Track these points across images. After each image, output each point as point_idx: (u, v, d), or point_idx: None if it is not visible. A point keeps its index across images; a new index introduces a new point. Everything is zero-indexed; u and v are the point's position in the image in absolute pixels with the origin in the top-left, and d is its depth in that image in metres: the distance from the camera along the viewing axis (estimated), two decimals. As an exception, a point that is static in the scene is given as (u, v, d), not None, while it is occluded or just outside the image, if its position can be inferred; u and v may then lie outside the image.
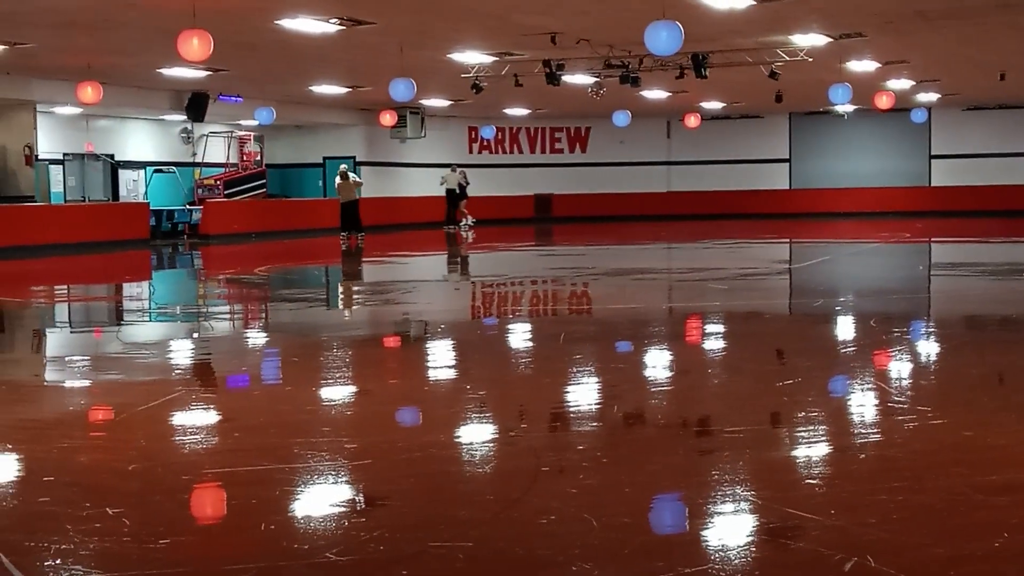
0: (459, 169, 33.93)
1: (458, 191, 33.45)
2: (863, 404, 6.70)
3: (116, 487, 4.88)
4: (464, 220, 33.55)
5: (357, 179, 28.33)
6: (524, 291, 15.38)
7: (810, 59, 21.36)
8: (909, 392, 7.10)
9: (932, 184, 37.84)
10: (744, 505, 4.50)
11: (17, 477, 5.24)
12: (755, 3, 16.18)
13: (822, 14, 17.64)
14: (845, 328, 10.76)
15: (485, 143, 39.10)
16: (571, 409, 6.71)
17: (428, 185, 36.53)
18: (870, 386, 7.28)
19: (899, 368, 8.10)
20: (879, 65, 24.10)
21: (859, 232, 28.43)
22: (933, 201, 37.11)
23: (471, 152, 38.99)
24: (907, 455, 5.30)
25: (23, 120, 25.31)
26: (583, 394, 7.20)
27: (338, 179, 27.91)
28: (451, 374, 8.34)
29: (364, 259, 22.22)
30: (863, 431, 5.98)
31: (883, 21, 18.30)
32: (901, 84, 28.11)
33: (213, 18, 15.92)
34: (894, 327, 10.53)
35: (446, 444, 5.70)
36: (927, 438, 5.66)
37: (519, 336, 10.50)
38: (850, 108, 33.12)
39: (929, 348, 9.22)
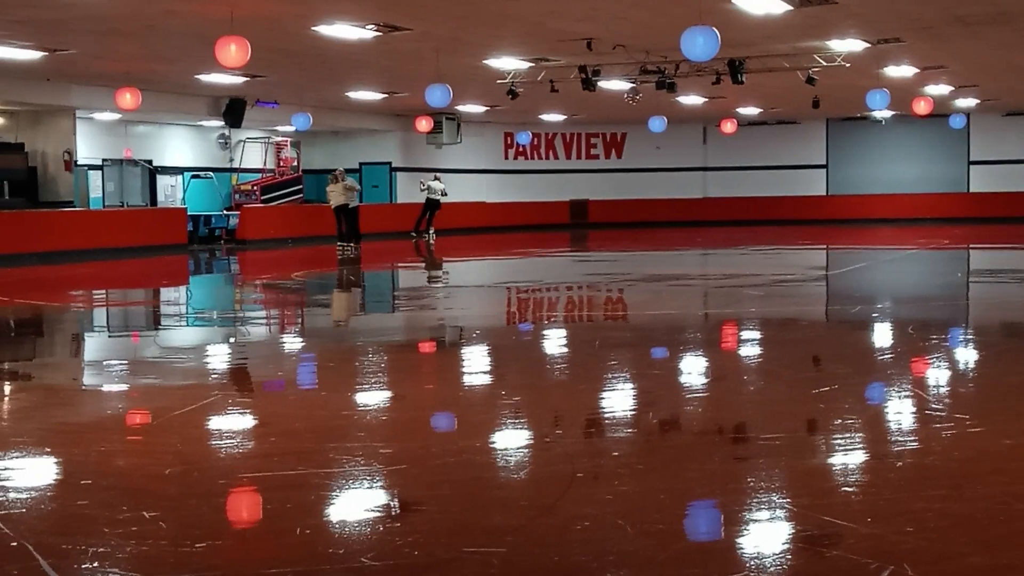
0: (440, 177, 32.46)
1: (439, 200, 31.81)
2: (900, 411, 6.66)
3: (153, 491, 4.91)
4: (431, 231, 31.68)
5: (354, 184, 27.10)
6: (559, 297, 15.37)
7: (847, 64, 21.26)
8: (947, 400, 7.04)
9: (971, 190, 37.56)
10: (780, 512, 4.48)
11: (56, 480, 5.28)
12: (792, 8, 16.11)
13: (860, 19, 17.55)
14: (882, 335, 10.69)
15: (521, 149, 39.12)
16: (606, 415, 6.69)
17: (464, 191, 36.59)
18: (907, 393, 7.23)
19: (937, 375, 8.04)
20: (917, 70, 23.96)
21: (897, 238, 28.25)
22: (972, 207, 36.84)
23: (507, 158, 39.03)
24: (945, 463, 5.26)
25: (63, 126, 25.52)
26: (618, 400, 7.18)
27: (329, 182, 26.70)
28: (486, 379, 8.35)
29: (399, 264, 22.26)
30: (900, 439, 5.94)
31: (921, 26, 18.19)
32: (939, 89, 27.92)
33: (251, 25, 16.01)
34: (932, 334, 10.46)
35: (481, 450, 5.70)
36: (966, 446, 5.61)
37: (554, 342, 10.49)
38: (888, 114, 32.96)
39: (967, 355, 9.15)
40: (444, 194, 31.81)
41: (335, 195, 26.23)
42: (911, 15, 17.17)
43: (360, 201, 27.35)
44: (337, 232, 26.17)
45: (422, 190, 31.55)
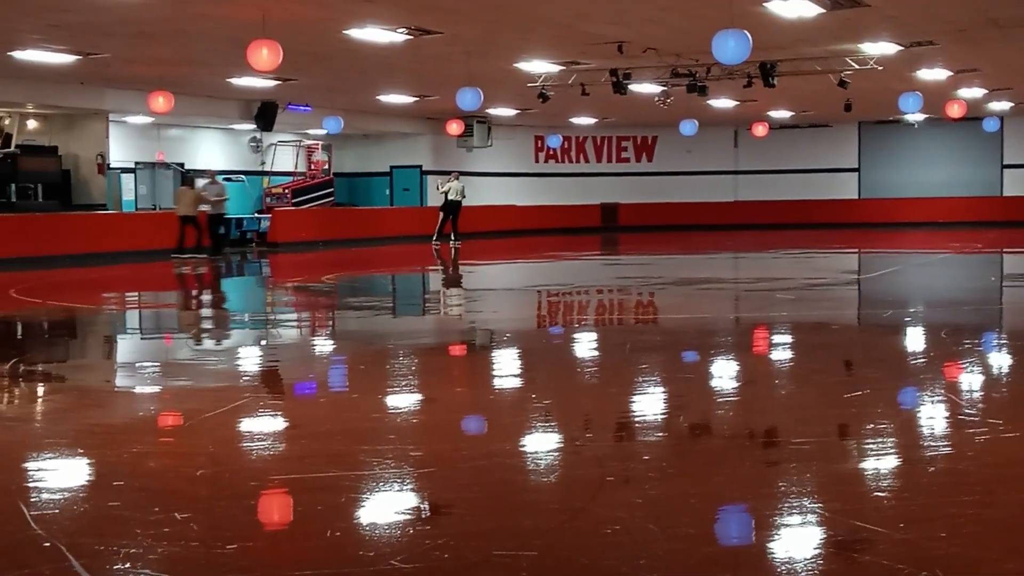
0: (460, 176, 30.94)
1: (460, 201, 30.33)
2: (933, 416, 6.61)
3: (185, 492, 4.93)
4: (447, 234, 30.17)
5: (219, 194, 24.50)
6: (590, 300, 15.35)
7: (880, 67, 21.17)
8: (980, 405, 6.99)
9: (1004, 194, 37.32)
10: (811, 517, 4.45)
11: (88, 481, 5.31)
12: (824, 11, 16.06)
13: (893, 22, 17.47)
14: (914, 339, 10.63)
15: (551, 152, 39.13)
16: (636, 419, 6.68)
17: (495, 194, 36.62)
18: (940, 398, 7.18)
19: (970, 380, 7.99)
20: (950, 73, 23.84)
21: (929, 242, 28.10)
22: (1006, 211, 36.60)
23: (537, 161, 39.05)
24: (978, 468, 5.22)
25: (96, 129, 25.70)
26: (649, 404, 7.17)
27: (182, 187, 24.59)
28: (516, 383, 8.34)
29: (428, 267, 22.29)
30: (933, 444, 5.90)
31: (955, 29, 18.10)
32: (973, 92, 27.77)
33: (282, 28, 16.07)
34: (965, 339, 10.39)
35: (511, 453, 5.70)
36: (999, 451, 5.57)
37: (585, 345, 10.48)
38: (921, 117, 32.81)
39: (1001, 360, 9.09)
40: (463, 195, 30.44)
41: (186, 202, 24.28)
42: (944, 17, 17.08)
43: (223, 210, 24.96)
44: (197, 244, 24.12)
45: (441, 191, 30.25)
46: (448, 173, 32.08)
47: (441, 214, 30.32)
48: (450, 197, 30.12)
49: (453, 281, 19.29)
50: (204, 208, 24.63)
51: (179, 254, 23.45)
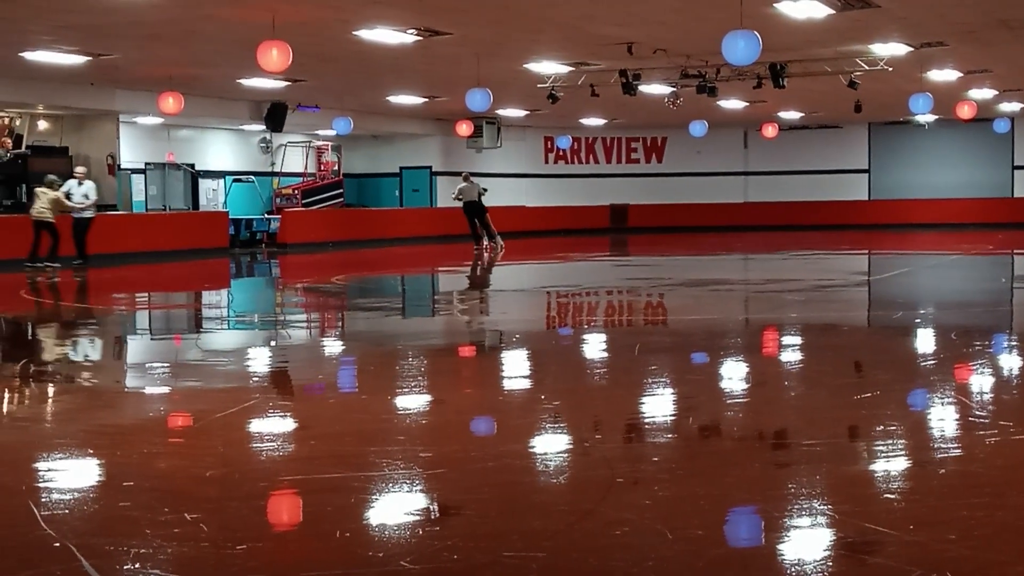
0: (472, 177, 29.04)
1: (479, 201, 28.29)
2: (943, 418, 6.61)
3: (194, 493, 4.94)
4: (493, 237, 28.17)
5: (85, 195, 21.04)
6: (599, 301, 15.35)
7: (890, 68, 21.13)
8: (991, 406, 6.98)
9: (1015, 195, 37.22)
10: (821, 519, 4.45)
11: (98, 482, 5.32)
12: (834, 12, 16.03)
13: (903, 23, 17.44)
14: (925, 341, 10.61)
15: (561, 153, 39.11)
16: (646, 420, 6.68)
17: (504, 195, 36.60)
18: (950, 400, 7.17)
19: (980, 382, 7.98)
20: (961, 74, 23.79)
21: (940, 244, 28.06)
22: (1016, 213, 36.48)
23: (547, 162, 39.04)
24: (989, 471, 5.21)
25: (106, 130, 25.75)
26: (658, 405, 7.17)
27: (41, 187, 20.88)
28: (525, 384, 8.35)
29: (437, 268, 22.30)
30: (943, 445, 5.89)
31: (965, 30, 18.06)
32: (983, 94, 27.71)
33: (292, 29, 16.09)
34: (975, 340, 10.37)
35: (520, 454, 5.70)
36: (1009, 453, 5.56)
37: (594, 347, 10.47)
38: (931, 118, 32.71)
39: (1011, 362, 9.07)
40: (483, 191, 28.40)
41: (41, 205, 20.54)
42: (954, 19, 17.05)
43: (91, 214, 21.27)
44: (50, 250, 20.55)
45: (457, 198, 28.48)
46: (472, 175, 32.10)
47: (468, 219, 28.62)
48: (466, 201, 28.38)
49: (462, 282, 19.28)
50: (72, 209, 20.96)
51: (32, 262, 20.17)
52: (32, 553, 4.10)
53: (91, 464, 5.65)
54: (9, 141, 25.20)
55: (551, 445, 6.01)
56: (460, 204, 28.41)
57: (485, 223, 28.24)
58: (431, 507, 4.75)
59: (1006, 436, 5.93)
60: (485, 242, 27.78)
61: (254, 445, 6.13)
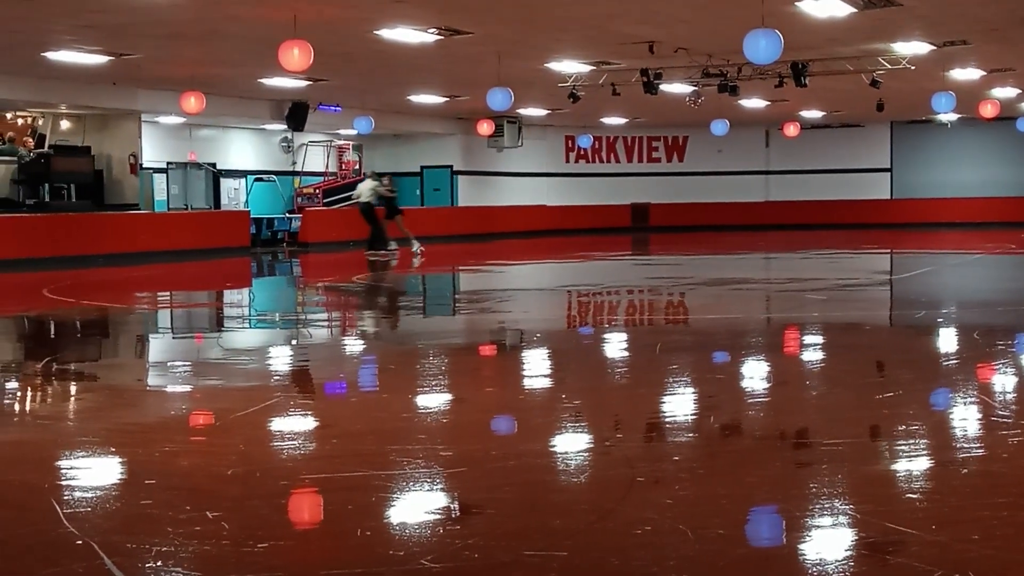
0: (386, 176, 26.62)
1: (384, 203, 25.71)
2: (966, 418, 6.57)
3: (216, 491, 4.95)
4: (410, 237, 25.44)
5: None
6: (620, 300, 15.33)
7: (912, 67, 21.05)
8: (1014, 406, 6.94)
9: (1038, 195, 37.06)
10: (843, 519, 4.43)
11: (120, 480, 5.33)
12: (856, 11, 15.98)
13: (925, 22, 17.37)
14: (947, 340, 10.57)
15: (582, 152, 39.09)
16: (667, 420, 6.67)
17: (525, 194, 36.65)
18: (973, 400, 7.13)
19: (1003, 382, 7.93)
20: (984, 73, 23.69)
21: (962, 243, 27.93)
22: (1039, 211, 36.34)
23: (568, 161, 39.02)
24: (1012, 470, 5.18)
25: (128, 129, 25.84)
26: (679, 404, 7.15)
27: None
28: (546, 383, 8.34)
29: (461, 268, 22.30)
30: (966, 445, 5.86)
31: (988, 28, 17.98)
32: (1006, 92, 27.59)
33: (313, 29, 16.12)
34: (998, 340, 10.32)
35: (541, 453, 5.70)
36: (1032, 453, 5.53)
37: (615, 346, 10.46)
38: (953, 117, 32.59)
39: (1035, 361, 9.02)
40: (392, 192, 25.90)
41: None
42: (977, 17, 16.97)
43: None
44: None
45: (357, 197, 26.24)
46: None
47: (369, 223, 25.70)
48: (358, 198, 26.07)
49: (483, 281, 19.27)
50: None
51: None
52: (55, 551, 4.11)
53: (113, 462, 5.66)
54: (32, 141, 25.33)
55: (572, 444, 6.01)
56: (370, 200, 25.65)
57: (392, 224, 25.71)
58: (452, 506, 4.74)
59: (1029, 436, 5.90)
60: (414, 245, 25.18)
61: (275, 444, 6.14)
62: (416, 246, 24.90)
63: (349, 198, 32.70)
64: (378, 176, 26.27)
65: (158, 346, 11.23)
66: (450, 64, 21.30)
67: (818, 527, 4.35)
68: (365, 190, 25.55)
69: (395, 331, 11.94)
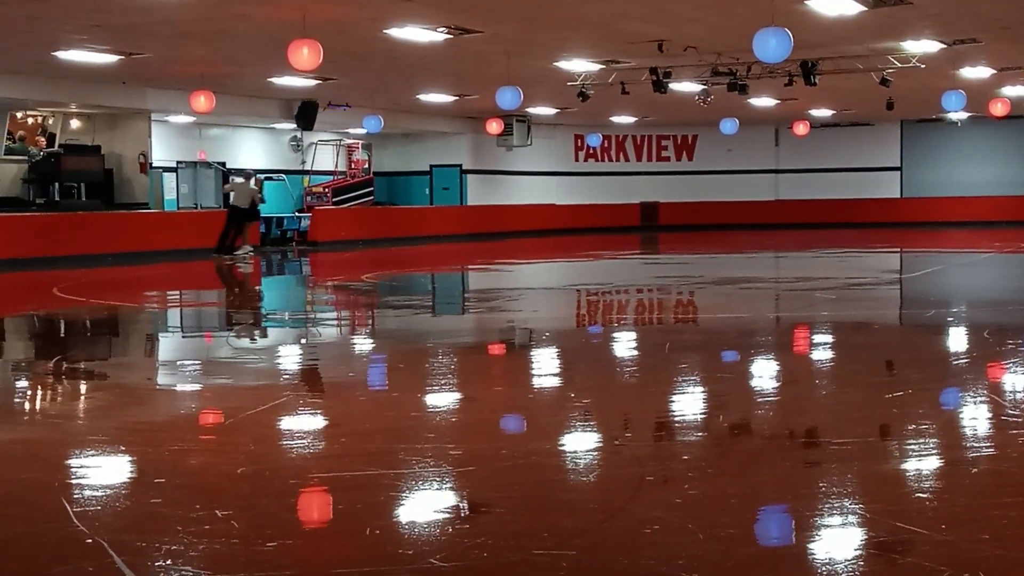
0: (255, 176, 25.64)
1: (249, 208, 24.43)
2: (976, 417, 6.56)
3: (225, 490, 4.95)
4: (243, 247, 24.11)
5: None
6: (629, 300, 15.32)
7: (922, 66, 21.02)
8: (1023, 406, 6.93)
9: (1049, 193, 36.98)
10: (852, 518, 4.43)
11: (130, 478, 5.34)
12: (866, 9, 15.96)
13: (935, 20, 17.34)
14: (957, 340, 10.55)
15: (591, 151, 39.07)
16: (676, 419, 6.66)
17: (534, 193, 36.64)
18: (983, 399, 7.12)
19: (1013, 381, 7.92)
20: (994, 71, 23.64)
21: (973, 242, 27.88)
22: (1050, 210, 36.25)
23: (577, 160, 39.00)
24: (1021, 470, 5.17)
25: (138, 128, 25.89)
26: (688, 404, 7.15)
27: None
28: (555, 382, 8.34)
29: (470, 267, 22.31)
30: (976, 444, 5.85)
31: (999, 27, 17.94)
32: (1017, 91, 27.53)
33: (323, 28, 16.13)
34: (1008, 339, 10.30)
35: (550, 452, 5.70)
36: (1042, 453, 5.52)
37: (624, 345, 10.46)
38: (964, 115, 32.53)
39: (1045, 361, 9.00)
40: (260, 201, 24.86)
41: None
42: (988, 15, 16.94)
43: None
44: None
45: (226, 191, 24.94)
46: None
47: (227, 222, 24.14)
48: (232, 202, 24.38)
49: (493, 280, 19.28)
50: None
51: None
52: (64, 549, 4.12)
53: (123, 461, 5.67)
54: (42, 140, 25.38)
55: (581, 443, 6.01)
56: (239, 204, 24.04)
57: (241, 232, 24.11)
58: (461, 505, 4.75)
59: (1039, 435, 5.89)
60: (238, 254, 23.53)
61: (285, 442, 6.15)
62: (245, 253, 23.31)
63: (359, 197, 32.75)
64: (251, 177, 24.83)
65: (168, 345, 11.25)
66: (459, 63, 21.31)
67: (827, 526, 4.35)
68: (241, 191, 23.99)
69: (404, 329, 11.95)
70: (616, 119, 35.08)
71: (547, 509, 4.61)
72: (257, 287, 18.89)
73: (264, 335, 11.85)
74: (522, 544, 4.12)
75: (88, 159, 25.35)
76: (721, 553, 3.99)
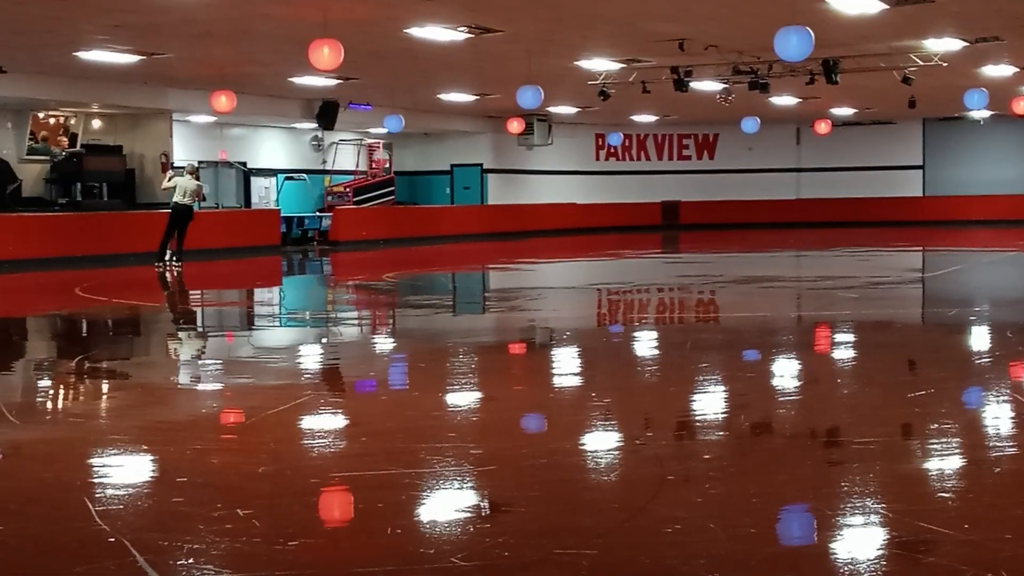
0: (198, 169, 22.83)
1: (191, 207, 21.08)
2: (998, 416, 6.53)
3: (247, 489, 4.97)
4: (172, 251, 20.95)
5: None
6: (650, 299, 15.30)
7: (944, 64, 20.92)
8: (1047, 405, 6.90)
9: (1072, 191, 36.78)
10: (874, 518, 4.41)
11: (152, 477, 5.36)
12: (888, 7, 15.89)
13: (957, 18, 17.26)
14: (980, 339, 10.50)
15: (612, 150, 39.02)
16: (697, 418, 6.65)
17: (555, 192, 36.61)
18: (1006, 398, 7.09)
19: (1037, 380, 7.89)
20: (1016, 70, 23.50)
21: (995, 241, 27.75)
22: (1073, 209, 36.05)
23: (598, 159, 38.96)
24: (1045, 470, 5.16)
25: (159, 128, 25.96)
26: (709, 403, 7.14)
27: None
28: (576, 381, 8.33)
29: (491, 266, 22.31)
30: (998, 444, 5.83)
31: (1021, 25, 17.84)
32: (1040, 89, 27.38)
33: (343, 28, 16.14)
34: (1031, 338, 10.25)
35: (571, 451, 5.69)
36: (1066, 452, 5.49)
37: (645, 344, 10.44)
38: (986, 113, 32.36)
39: (1068, 360, 8.96)
40: (201, 199, 22.17)
41: None
42: (1010, 13, 16.85)
43: None
44: None
45: (164, 188, 21.44)
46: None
47: (169, 223, 21.00)
48: (175, 199, 20.81)
49: (514, 279, 19.27)
50: None
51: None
52: (87, 548, 4.14)
53: (144, 460, 5.69)
54: (64, 140, 25.47)
55: (602, 442, 6.00)
56: (183, 200, 20.84)
57: (181, 236, 21.15)
58: (482, 504, 4.75)
59: (1063, 435, 5.86)
60: (168, 261, 20.84)
61: (306, 441, 6.16)
62: (170, 258, 20.83)
63: (380, 197, 32.78)
64: (196, 171, 21.89)
65: (189, 344, 11.28)
66: (480, 62, 21.30)
67: (849, 526, 4.33)
68: (185, 188, 20.80)
69: (425, 329, 11.96)
70: (637, 118, 35.02)
71: (568, 508, 4.61)
72: (278, 287, 18.93)
73: (287, 335, 11.88)
74: (543, 543, 4.12)
75: (110, 159, 25.43)
76: (743, 552, 3.99)
